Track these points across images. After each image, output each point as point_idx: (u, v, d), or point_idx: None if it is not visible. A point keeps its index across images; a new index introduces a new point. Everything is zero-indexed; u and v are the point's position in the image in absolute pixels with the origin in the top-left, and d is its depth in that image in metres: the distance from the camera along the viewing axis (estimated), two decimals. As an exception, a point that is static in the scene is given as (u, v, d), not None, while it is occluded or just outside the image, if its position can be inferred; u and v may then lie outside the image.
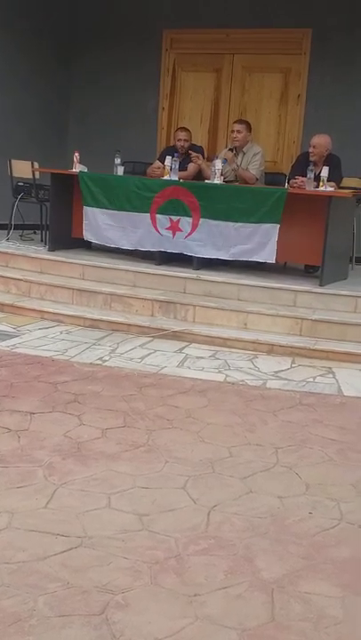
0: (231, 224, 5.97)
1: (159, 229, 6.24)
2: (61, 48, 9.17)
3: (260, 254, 5.95)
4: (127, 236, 6.41)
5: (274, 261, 5.98)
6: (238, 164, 6.72)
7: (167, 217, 6.20)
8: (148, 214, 6.25)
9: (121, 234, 6.44)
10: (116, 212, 6.41)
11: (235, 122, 7.10)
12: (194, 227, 6.11)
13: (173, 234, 6.20)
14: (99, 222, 6.52)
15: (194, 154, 6.90)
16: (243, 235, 5.95)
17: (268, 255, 5.91)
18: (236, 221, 5.94)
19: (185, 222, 6.13)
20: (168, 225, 6.20)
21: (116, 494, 2.87)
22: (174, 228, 6.18)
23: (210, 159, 6.78)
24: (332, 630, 2.10)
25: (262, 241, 5.89)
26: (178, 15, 8.67)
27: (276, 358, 5.11)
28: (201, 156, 6.95)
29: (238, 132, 6.75)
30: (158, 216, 6.23)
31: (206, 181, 6.38)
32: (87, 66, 9.27)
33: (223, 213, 5.99)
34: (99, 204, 6.48)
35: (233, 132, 6.84)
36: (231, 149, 6.83)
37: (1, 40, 8.21)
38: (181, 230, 6.16)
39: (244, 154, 6.76)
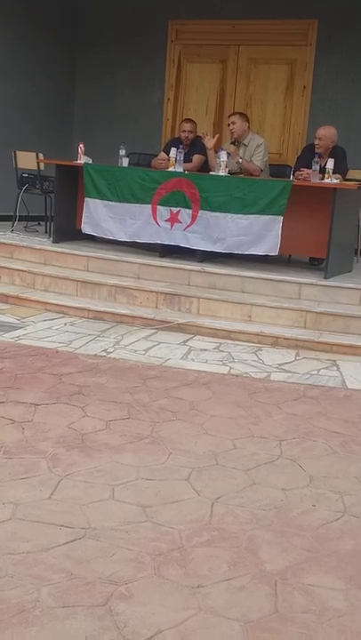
0: (229, 216, 5.94)
1: (158, 221, 6.22)
2: (66, 40, 9.15)
3: (258, 247, 5.89)
4: (125, 228, 6.39)
5: (276, 253, 5.95)
6: (240, 156, 6.69)
7: (168, 209, 6.17)
8: (150, 205, 6.23)
9: (119, 225, 6.42)
10: (116, 203, 6.39)
11: (229, 115, 7.10)
12: (193, 218, 6.09)
13: (171, 225, 6.17)
14: (98, 214, 6.49)
15: (207, 136, 6.83)
16: (240, 226, 5.91)
17: (270, 248, 5.86)
18: (236, 213, 5.91)
19: (184, 214, 6.11)
20: (168, 217, 6.18)
21: (119, 486, 2.88)
22: (173, 220, 6.16)
23: (215, 151, 6.75)
24: (336, 622, 2.10)
25: (261, 233, 5.84)
26: (183, 6, 8.63)
27: (281, 351, 5.11)
28: (212, 140, 6.85)
29: (233, 122, 6.72)
30: (159, 207, 6.20)
31: (211, 173, 6.36)
32: (92, 57, 9.25)
33: (223, 205, 5.95)
34: (100, 196, 6.46)
35: (229, 125, 6.82)
36: (233, 142, 6.81)
37: (6, 31, 8.19)
38: (180, 222, 6.14)
39: (246, 146, 6.72)
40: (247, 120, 6.82)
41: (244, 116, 6.83)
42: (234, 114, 6.93)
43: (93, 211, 6.53)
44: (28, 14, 8.40)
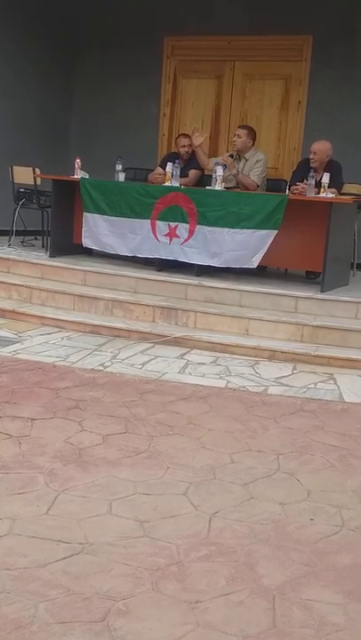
0: (226, 230, 5.96)
1: (157, 236, 6.25)
2: (63, 53, 9.20)
3: (253, 261, 5.92)
4: (126, 243, 6.42)
5: (255, 267, 5.98)
6: (240, 169, 6.72)
7: (166, 223, 6.20)
8: (149, 220, 6.26)
9: (120, 240, 6.45)
10: (116, 218, 6.42)
11: (239, 126, 7.14)
12: (190, 233, 6.11)
13: (170, 240, 6.20)
14: (98, 228, 6.53)
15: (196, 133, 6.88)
16: (237, 241, 5.94)
17: (256, 261, 5.91)
18: (232, 227, 5.94)
19: (182, 229, 6.14)
20: (166, 231, 6.21)
21: (117, 500, 2.87)
22: (171, 235, 6.19)
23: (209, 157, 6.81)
24: (334, 637, 2.09)
25: (258, 247, 5.87)
26: (179, 22, 8.70)
27: (278, 364, 5.11)
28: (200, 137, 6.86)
29: (238, 136, 6.75)
30: (158, 222, 6.23)
31: (207, 187, 6.39)
32: (89, 73, 9.31)
33: (220, 220, 5.98)
34: (99, 211, 6.50)
35: (234, 135, 6.86)
36: (231, 155, 6.84)
37: (3, 45, 8.23)
38: (178, 237, 6.17)
39: (247, 160, 6.76)
40: (254, 137, 6.82)
41: (252, 132, 6.83)
42: (243, 127, 6.96)
43: (93, 225, 6.55)
44: (26, 31, 8.43)
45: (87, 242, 6.64)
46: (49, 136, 9.01)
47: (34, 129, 8.70)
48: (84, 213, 6.57)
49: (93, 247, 6.69)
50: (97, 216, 6.52)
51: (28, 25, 8.46)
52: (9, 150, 7.90)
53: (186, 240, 6.14)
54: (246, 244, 5.91)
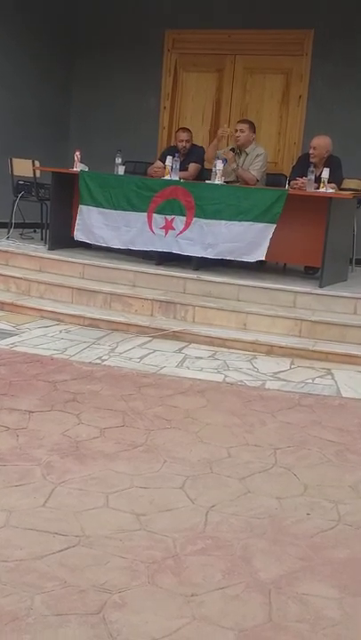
0: (223, 222, 5.95)
1: (153, 229, 6.22)
2: (63, 48, 9.17)
3: (250, 254, 5.90)
4: (119, 236, 6.38)
5: (263, 258, 5.96)
6: (240, 164, 6.71)
7: (163, 216, 6.18)
8: (146, 213, 6.23)
9: (114, 233, 6.41)
10: (112, 211, 6.39)
11: (238, 121, 7.12)
12: (186, 225, 6.08)
13: (166, 232, 6.18)
14: (92, 221, 6.48)
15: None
16: (233, 232, 5.92)
17: (260, 254, 5.88)
18: (229, 219, 5.92)
19: (178, 221, 6.11)
20: (163, 224, 6.18)
21: (114, 494, 2.87)
22: (167, 227, 6.17)
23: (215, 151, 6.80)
24: (330, 631, 2.10)
25: (254, 240, 5.84)
26: (180, 16, 8.67)
27: (276, 359, 5.11)
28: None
29: (241, 130, 6.74)
30: (155, 215, 6.21)
31: (207, 181, 6.38)
32: (89, 66, 9.28)
33: (218, 213, 5.95)
34: (95, 203, 6.46)
35: (236, 130, 6.84)
36: (233, 149, 6.83)
37: (3, 40, 8.21)
38: (174, 229, 6.14)
39: (247, 154, 6.75)
40: (255, 131, 6.83)
41: (253, 126, 6.84)
42: (244, 122, 6.94)
43: (87, 218, 6.52)
44: (26, 23, 8.40)
45: (78, 234, 6.58)
46: (49, 132, 8.98)
47: (34, 125, 8.68)
48: (80, 206, 6.53)
49: (84, 240, 6.60)
50: (92, 208, 6.48)
51: (28, 21, 8.45)
52: (9, 146, 7.86)
53: (181, 232, 6.11)
54: (243, 237, 5.89)
